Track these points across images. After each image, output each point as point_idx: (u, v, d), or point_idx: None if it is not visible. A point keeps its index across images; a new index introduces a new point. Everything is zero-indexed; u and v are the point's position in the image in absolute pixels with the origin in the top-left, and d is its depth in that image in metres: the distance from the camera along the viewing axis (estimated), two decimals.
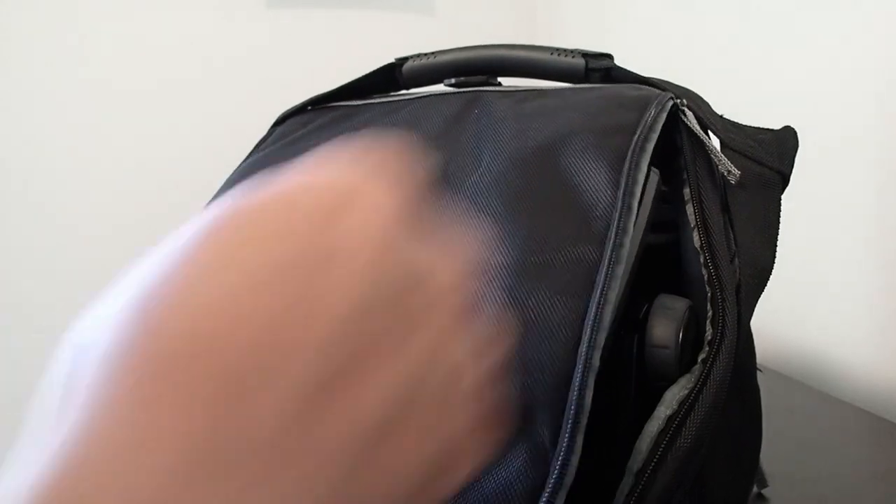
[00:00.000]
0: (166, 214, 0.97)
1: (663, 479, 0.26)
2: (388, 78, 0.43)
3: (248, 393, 0.12)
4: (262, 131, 1.07)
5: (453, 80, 0.41)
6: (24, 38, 0.90)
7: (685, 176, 0.32)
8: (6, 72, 0.90)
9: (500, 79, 0.42)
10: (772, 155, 0.35)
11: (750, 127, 0.37)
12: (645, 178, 0.29)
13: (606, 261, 0.27)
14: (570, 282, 0.26)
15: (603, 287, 0.26)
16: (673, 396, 0.27)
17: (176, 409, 0.12)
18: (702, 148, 0.32)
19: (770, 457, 0.45)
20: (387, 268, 0.14)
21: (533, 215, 0.29)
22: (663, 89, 0.35)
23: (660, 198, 0.31)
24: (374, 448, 0.13)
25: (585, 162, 0.30)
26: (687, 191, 0.32)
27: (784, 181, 0.35)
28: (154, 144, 0.96)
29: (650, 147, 0.30)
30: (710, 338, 0.28)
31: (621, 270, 0.26)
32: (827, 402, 0.53)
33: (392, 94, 0.44)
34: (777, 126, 0.39)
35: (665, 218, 0.32)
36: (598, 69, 0.39)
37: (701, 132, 0.33)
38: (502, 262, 0.28)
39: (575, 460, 0.23)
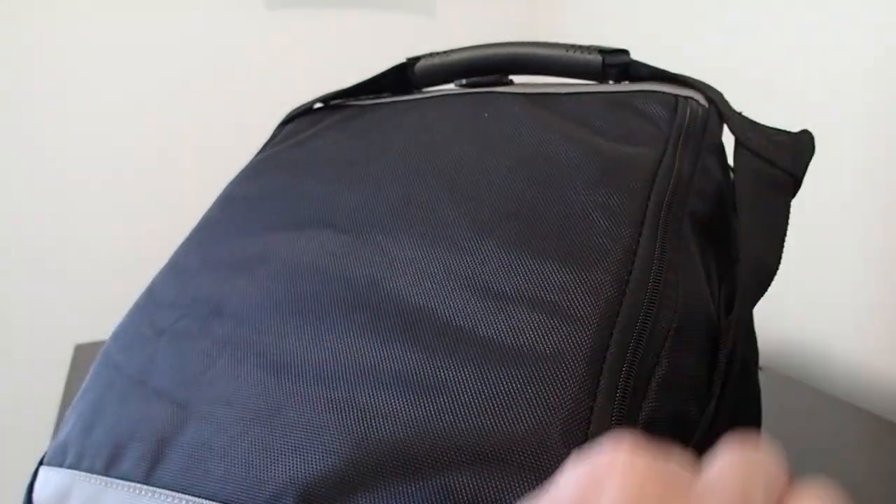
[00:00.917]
0: (166, 214, 0.97)
1: None
2: (400, 77, 0.43)
3: None
4: (262, 131, 1.07)
5: (464, 81, 0.40)
6: (24, 38, 0.89)
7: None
8: (5, 72, 0.89)
9: (513, 77, 0.41)
10: (786, 157, 0.34)
11: (769, 127, 0.37)
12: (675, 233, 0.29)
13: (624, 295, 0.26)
14: (586, 317, 0.25)
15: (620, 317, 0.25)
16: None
17: None
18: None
19: None
20: None
21: (545, 249, 0.28)
22: (684, 84, 0.35)
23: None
24: None
25: (601, 195, 0.29)
26: None
27: (796, 185, 0.34)
28: (153, 144, 0.96)
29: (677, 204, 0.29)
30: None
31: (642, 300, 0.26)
32: (827, 402, 0.53)
33: (402, 94, 0.43)
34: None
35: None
36: (615, 65, 0.38)
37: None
38: (509, 294, 0.27)
39: None
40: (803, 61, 0.59)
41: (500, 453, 0.22)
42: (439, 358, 0.26)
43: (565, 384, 0.23)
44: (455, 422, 0.23)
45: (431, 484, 0.23)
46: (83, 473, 0.30)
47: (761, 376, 0.35)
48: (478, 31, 1.03)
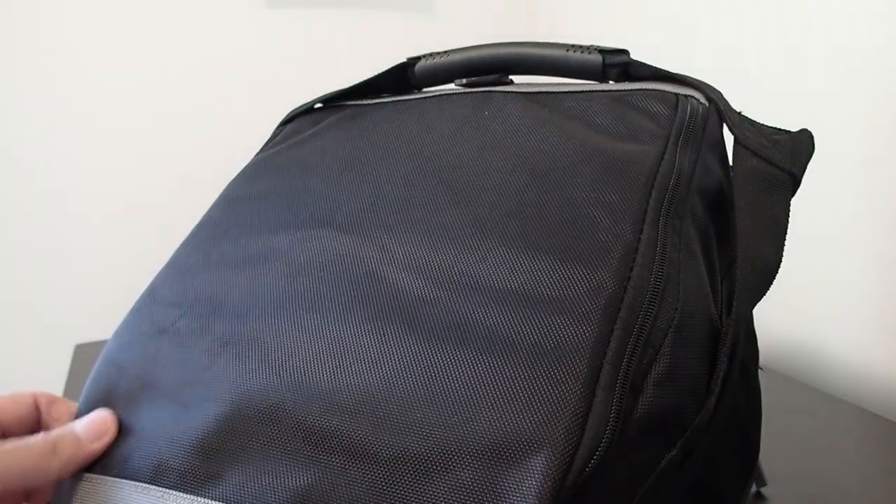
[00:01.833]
0: (166, 214, 0.97)
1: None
2: (400, 77, 0.43)
3: None
4: (262, 130, 1.06)
5: (464, 80, 0.40)
6: (23, 37, 0.89)
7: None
8: (5, 72, 0.89)
9: (513, 77, 0.41)
10: (785, 156, 0.34)
11: (767, 126, 0.37)
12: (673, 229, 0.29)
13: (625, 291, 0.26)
14: (587, 313, 0.25)
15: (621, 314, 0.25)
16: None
17: None
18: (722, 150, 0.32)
19: (769, 456, 0.44)
20: None
21: (546, 246, 0.28)
22: (684, 83, 0.35)
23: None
24: None
25: (602, 193, 0.29)
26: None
27: (795, 184, 0.34)
28: (153, 144, 0.96)
29: (677, 199, 0.29)
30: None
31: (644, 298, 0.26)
32: (827, 401, 0.53)
33: (402, 94, 0.43)
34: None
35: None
36: (615, 65, 0.38)
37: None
38: (511, 290, 0.27)
39: None
40: (803, 61, 0.59)
41: (504, 449, 0.23)
42: (441, 354, 0.26)
43: (566, 380, 0.24)
44: (458, 419, 0.24)
45: (439, 482, 0.23)
46: (92, 475, 0.30)
47: (761, 376, 0.35)
48: (478, 31, 1.03)
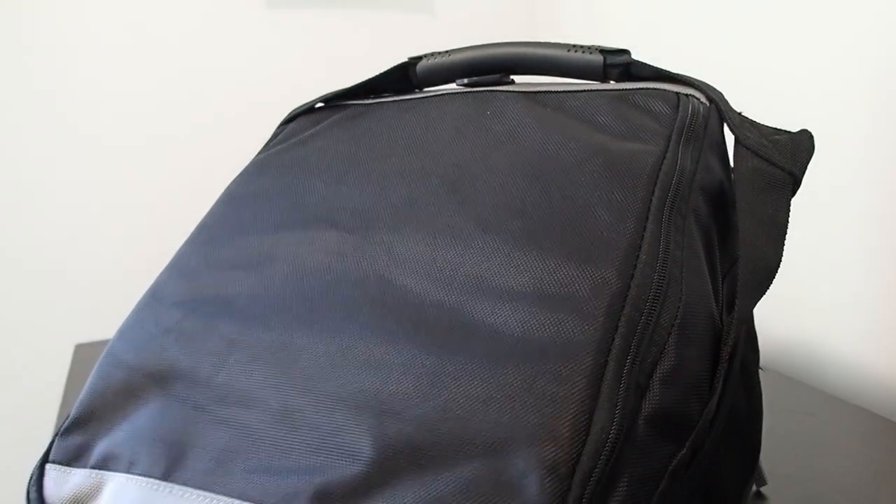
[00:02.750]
0: (166, 213, 0.97)
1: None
2: (402, 77, 0.43)
3: None
4: (261, 131, 1.06)
5: (465, 80, 0.40)
6: (22, 37, 0.89)
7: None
8: (4, 72, 0.89)
9: (515, 77, 0.41)
10: (785, 156, 0.34)
11: (767, 126, 0.37)
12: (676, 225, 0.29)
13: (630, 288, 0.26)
14: (592, 310, 0.26)
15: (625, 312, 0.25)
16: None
17: None
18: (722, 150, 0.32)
19: (769, 456, 0.44)
20: None
21: (550, 244, 0.28)
22: (685, 83, 0.35)
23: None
24: None
25: (605, 191, 0.29)
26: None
27: (795, 183, 0.34)
28: (153, 144, 0.96)
29: (680, 197, 0.30)
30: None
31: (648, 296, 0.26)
32: (827, 401, 0.53)
33: (403, 94, 0.43)
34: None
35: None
36: (616, 65, 0.38)
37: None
38: (515, 289, 0.27)
39: None
40: (803, 61, 0.59)
41: (511, 446, 0.23)
42: (448, 353, 0.26)
43: (571, 376, 0.24)
44: (465, 415, 0.24)
45: (446, 477, 0.23)
46: (104, 472, 0.30)
47: (761, 376, 0.35)
48: (477, 31, 1.03)
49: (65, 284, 0.94)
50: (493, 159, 0.33)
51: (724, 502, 0.31)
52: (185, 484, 0.28)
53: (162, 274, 0.37)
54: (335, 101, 0.43)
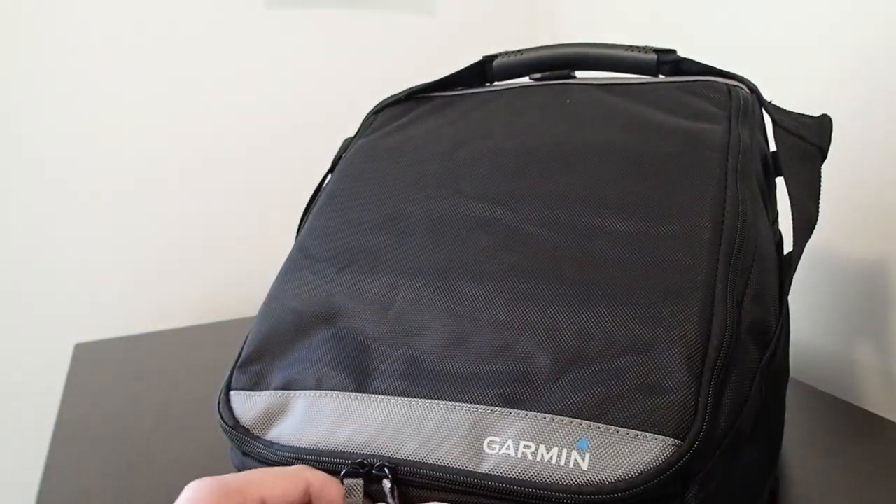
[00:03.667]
0: (165, 213, 0.97)
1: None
2: (478, 73, 0.48)
3: None
4: (260, 130, 1.08)
5: (538, 75, 0.46)
6: (22, 37, 0.89)
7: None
8: (5, 74, 0.88)
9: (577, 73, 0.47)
10: (813, 134, 0.42)
11: (793, 112, 0.44)
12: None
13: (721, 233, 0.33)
14: (696, 246, 0.33)
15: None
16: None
17: None
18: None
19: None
20: None
21: (651, 203, 0.35)
22: (728, 76, 0.42)
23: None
24: None
25: (690, 158, 0.37)
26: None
27: (823, 156, 0.42)
28: (151, 144, 0.96)
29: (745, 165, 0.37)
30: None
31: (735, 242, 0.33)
32: (827, 401, 0.53)
33: (477, 87, 0.48)
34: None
35: None
36: (667, 62, 0.45)
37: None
38: (631, 232, 0.34)
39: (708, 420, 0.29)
40: (803, 59, 0.63)
41: (654, 346, 0.30)
42: (585, 284, 0.33)
43: (692, 294, 0.31)
44: (614, 328, 0.31)
45: (608, 366, 0.30)
46: (290, 391, 0.35)
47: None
48: (478, 31, 1.06)
49: (65, 284, 0.94)
50: (584, 137, 0.39)
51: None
52: (380, 392, 0.33)
53: (304, 237, 0.42)
54: (418, 94, 0.48)
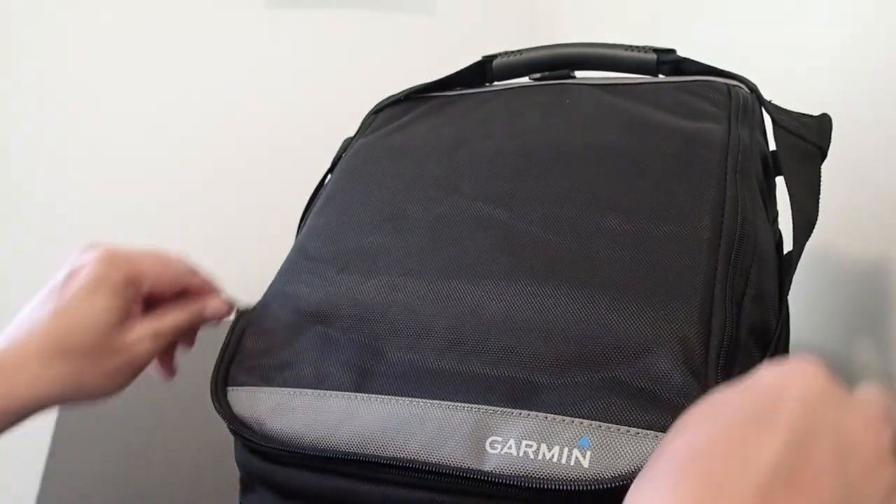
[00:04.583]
0: (166, 213, 0.98)
1: None
2: (478, 73, 0.48)
3: None
4: (259, 131, 1.08)
5: (538, 75, 0.46)
6: (21, 37, 0.89)
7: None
8: (5, 76, 0.89)
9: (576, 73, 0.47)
10: (813, 134, 0.42)
11: (793, 112, 0.44)
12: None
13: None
14: (695, 247, 0.33)
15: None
16: None
17: None
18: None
19: None
20: None
21: (651, 205, 0.35)
22: (728, 76, 0.42)
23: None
24: None
25: (688, 158, 0.37)
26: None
27: (823, 155, 0.42)
28: (152, 144, 0.96)
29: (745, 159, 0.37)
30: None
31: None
32: None
33: (476, 88, 0.48)
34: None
35: None
36: (667, 62, 0.45)
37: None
38: (631, 232, 0.34)
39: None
40: (803, 59, 0.62)
41: (653, 344, 0.30)
42: (582, 286, 0.33)
43: (691, 295, 0.31)
44: (605, 329, 0.31)
45: (605, 366, 0.30)
46: (291, 390, 0.35)
47: None
48: (478, 31, 1.06)
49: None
50: (586, 137, 0.39)
51: None
52: (380, 392, 0.33)
53: (304, 238, 0.42)
54: (419, 94, 0.48)
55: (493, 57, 0.48)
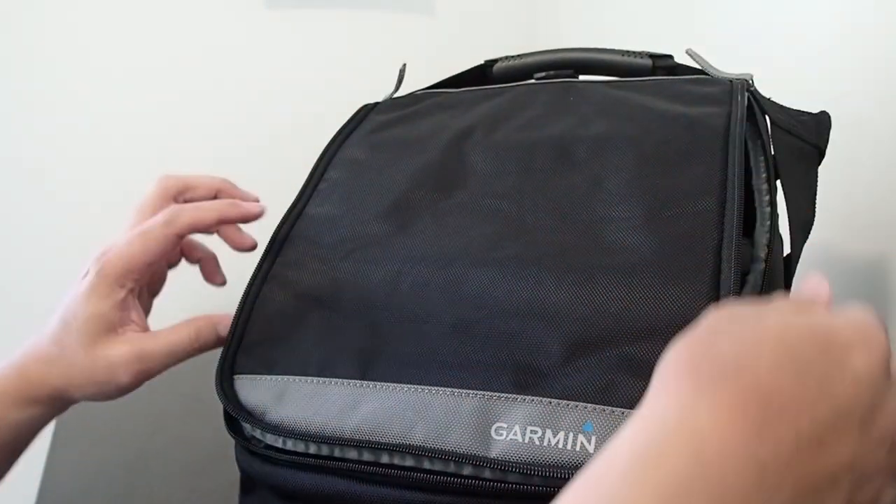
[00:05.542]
0: None
1: None
2: (480, 75, 0.49)
3: None
4: (260, 130, 1.08)
5: (542, 74, 0.46)
6: (21, 37, 0.89)
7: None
8: (6, 76, 0.89)
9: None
10: (810, 133, 0.42)
11: (792, 109, 0.44)
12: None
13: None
14: (703, 223, 0.33)
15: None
16: None
17: None
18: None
19: None
20: None
21: (661, 188, 0.35)
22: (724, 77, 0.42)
23: None
24: None
25: (694, 142, 0.37)
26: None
27: (820, 155, 0.42)
28: (152, 144, 0.96)
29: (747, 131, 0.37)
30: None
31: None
32: None
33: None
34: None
35: None
36: (663, 67, 0.45)
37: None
38: (641, 215, 0.35)
39: None
40: (803, 58, 0.63)
41: (659, 326, 0.30)
42: (590, 270, 0.33)
43: (697, 277, 0.31)
44: (620, 309, 0.31)
45: (609, 350, 0.30)
46: (296, 377, 0.35)
47: None
48: (478, 31, 1.06)
49: (65, 285, 0.94)
50: (591, 128, 0.40)
51: None
52: (385, 380, 0.33)
53: (307, 224, 0.42)
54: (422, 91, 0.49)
55: (495, 61, 0.48)
